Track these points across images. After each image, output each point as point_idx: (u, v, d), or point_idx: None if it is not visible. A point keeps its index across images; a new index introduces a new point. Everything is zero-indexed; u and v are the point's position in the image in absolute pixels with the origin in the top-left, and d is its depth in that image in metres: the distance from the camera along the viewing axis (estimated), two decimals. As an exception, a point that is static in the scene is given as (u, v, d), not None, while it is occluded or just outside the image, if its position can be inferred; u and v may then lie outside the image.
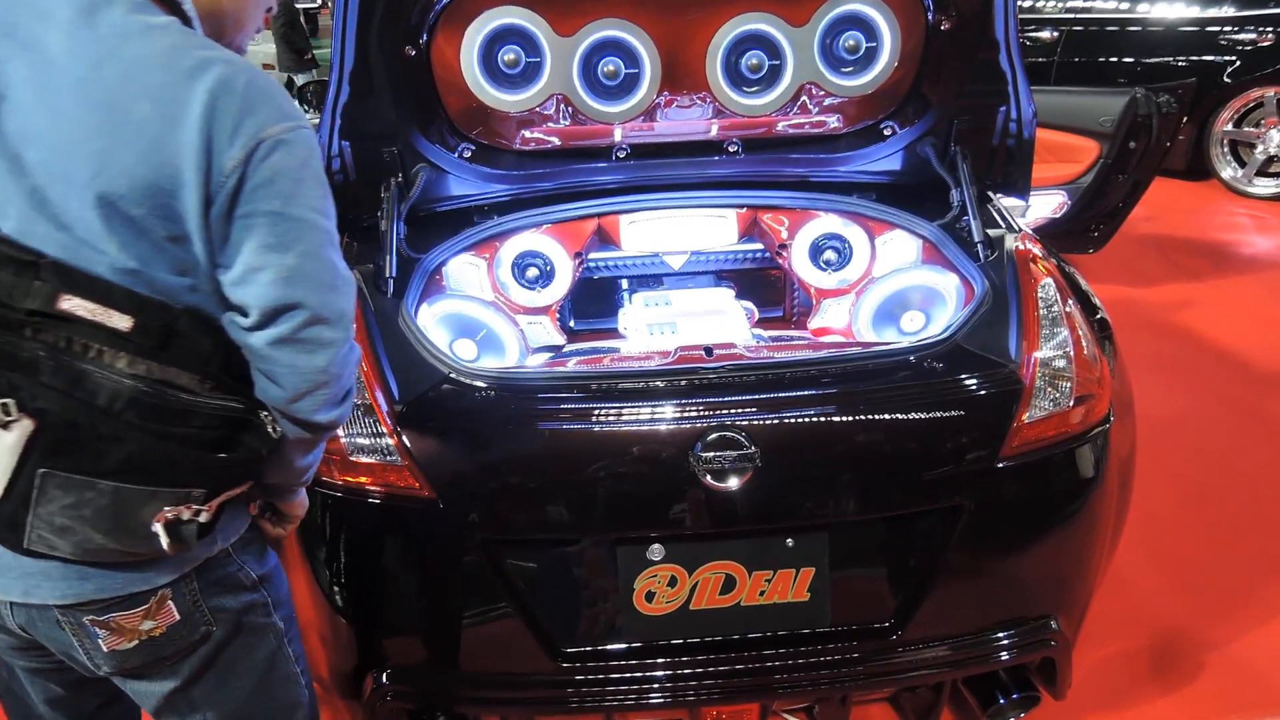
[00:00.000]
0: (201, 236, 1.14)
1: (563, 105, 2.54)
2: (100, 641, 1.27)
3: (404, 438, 1.80)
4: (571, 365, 2.15)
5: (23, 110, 1.09)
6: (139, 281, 1.13)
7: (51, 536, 1.15)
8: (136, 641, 1.27)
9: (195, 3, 1.21)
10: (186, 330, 1.16)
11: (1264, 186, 6.26)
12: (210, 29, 1.24)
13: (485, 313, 2.46)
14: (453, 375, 1.89)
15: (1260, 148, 6.22)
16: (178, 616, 1.29)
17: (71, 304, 1.09)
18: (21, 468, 1.10)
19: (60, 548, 1.16)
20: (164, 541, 1.18)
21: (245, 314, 1.17)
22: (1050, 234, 4.45)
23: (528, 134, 2.61)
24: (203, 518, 1.20)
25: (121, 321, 1.11)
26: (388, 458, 1.80)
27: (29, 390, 1.08)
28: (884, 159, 2.66)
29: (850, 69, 2.55)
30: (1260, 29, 6.02)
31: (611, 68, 2.46)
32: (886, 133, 2.64)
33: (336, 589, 1.90)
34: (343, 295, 1.22)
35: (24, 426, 1.09)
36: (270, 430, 1.24)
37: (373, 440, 1.80)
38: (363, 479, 1.80)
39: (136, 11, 1.12)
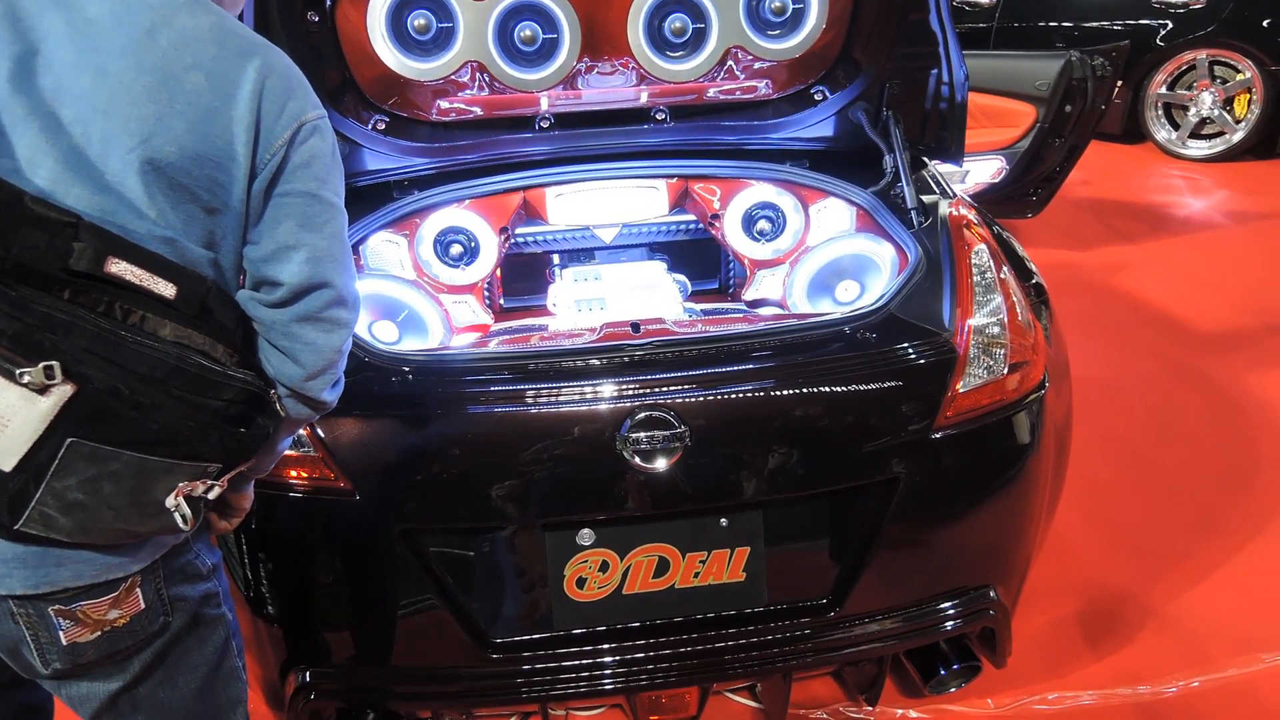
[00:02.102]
0: (239, 210, 1.17)
1: (479, 73, 2.44)
2: (61, 634, 1.21)
3: (318, 427, 1.73)
4: (493, 346, 2.07)
5: (60, 67, 1.07)
6: (173, 250, 1.13)
7: (56, 514, 1.10)
8: (99, 633, 1.23)
9: None
10: (215, 303, 1.17)
11: (1197, 148, 6.35)
12: None
13: (407, 293, 2.36)
14: (368, 359, 1.81)
15: (1193, 110, 6.30)
16: (143, 605, 1.26)
17: (120, 268, 1.07)
18: (48, 437, 1.06)
19: (60, 527, 1.11)
20: (181, 516, 1.17)
21: (272, 290, 1.19)
22: (989, 199, 4.46)
23: (444, 104, 2.51)
24: (213, 493, 1.21)
25: (166, 289, 1.10)
26: (302, 448, 1.74)
27: (71, 354, 1.04)
28: (816, 125, 2.60)
29: (777, 31, 2.49)
30: (1192, -8, 6.08)
31: (529, 33, 2.37)
32: (817, 98, 2.59)
33: (254, 587, 1.83)
34: (354, 278, 1.28)
35: (62, 392, 1.04)
36: (278, 408, 1.26)
37: None
38: (277, 471, 1.71)
39: None
